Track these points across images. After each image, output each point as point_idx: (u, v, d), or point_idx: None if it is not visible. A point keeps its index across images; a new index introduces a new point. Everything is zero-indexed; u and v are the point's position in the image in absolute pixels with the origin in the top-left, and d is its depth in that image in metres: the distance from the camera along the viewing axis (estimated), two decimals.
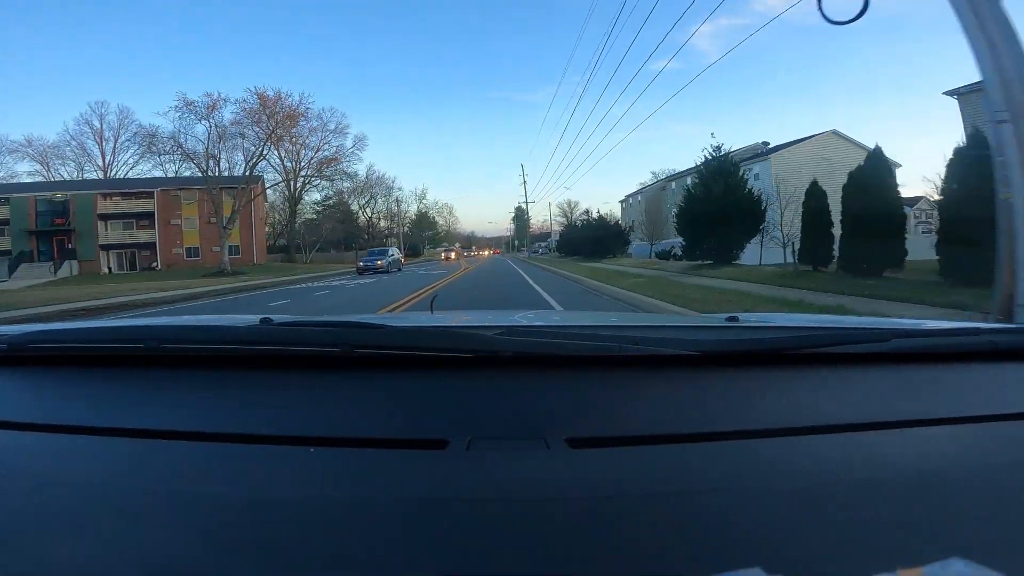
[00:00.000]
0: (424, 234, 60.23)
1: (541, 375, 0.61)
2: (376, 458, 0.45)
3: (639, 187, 46.59)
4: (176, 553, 0.33)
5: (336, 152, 38.13)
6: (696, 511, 0.37)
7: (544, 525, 0.35)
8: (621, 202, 42.74)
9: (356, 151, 41.67)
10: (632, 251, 27.17)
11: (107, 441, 0.48)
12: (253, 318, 0.87)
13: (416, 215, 56.61)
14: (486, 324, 0.86)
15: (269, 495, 0.38)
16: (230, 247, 29.26)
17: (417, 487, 0.39)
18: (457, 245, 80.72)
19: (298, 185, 38.17)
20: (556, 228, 75.86)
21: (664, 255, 21.68)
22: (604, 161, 63.45)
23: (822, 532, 0.34)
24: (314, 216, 41.17)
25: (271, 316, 0.85)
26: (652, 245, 27.13)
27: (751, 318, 0.97)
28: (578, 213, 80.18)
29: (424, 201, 55.37)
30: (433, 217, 65.18)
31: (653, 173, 57.21)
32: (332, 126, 38.08)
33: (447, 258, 37.45)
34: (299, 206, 39.72)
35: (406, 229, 54.28)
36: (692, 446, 0.47)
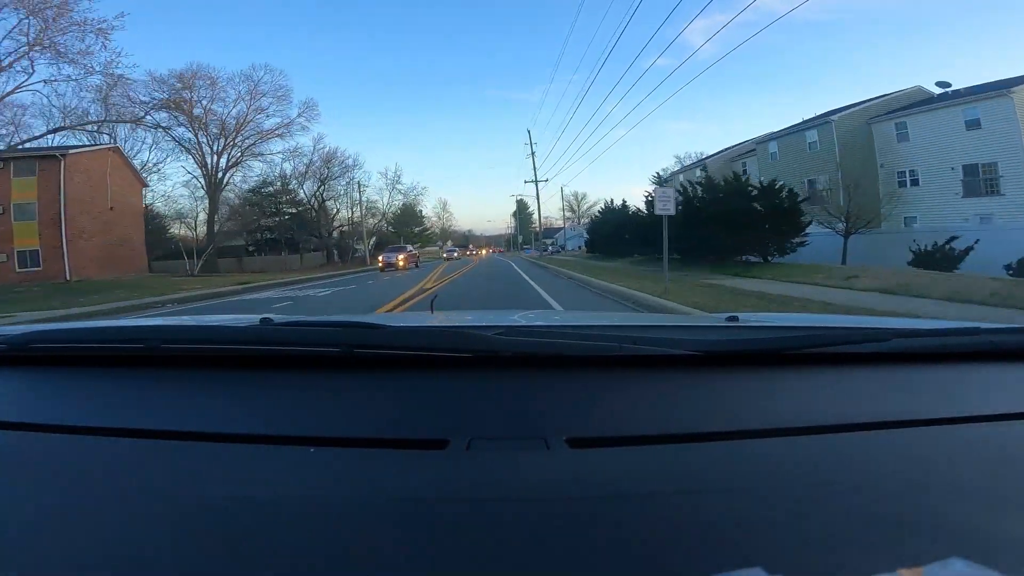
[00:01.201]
0: (412, 230, 53.81)
1: (541, 375, 0.71)
2: (376, 458, 0.52)
3: (661, 173, 42.51)
4: (176, 553, 0.37)
5: (280, 125, 32.54)
6: (696, 511, 0.41)
7: (544, 525, 0.39)
8: (661, 182, 34.81)
9: (304, 122, 35.07)
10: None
11: (107, 441, 0.56)
12: (253, 318, 0.96)
13: (400, 208, 50.46)
14: (486, 324, 0.97)
15: (269, 495, 0.44)
16: (21, 253, 21.28)
17: (417, 487, 0.45)
18: (449, 243, 75.18)
19: (219, 165, 32.46)
20: (567, 224, 70.29)
21: (944, 256, 12.11)
22: (610, 154, 51.84)
23: (822, 532, 0.39)
24: (251, 208, 36.09)
25: (271, 316, 0.96)
26: (847, 235, 15.23)
27: (751, 318, 1.05)
28: (586, 205, 73.92)
29: (399, 186, 48.44)
30: (421, 211, 58.33)
31: (677, 157, 56.25)
32: (265, 88, 32.29)
33: (387, 266, 25.47)
34: (227, 192, 34.26)
35: (386, 224, 47.56)
36: (692, 446, 0.54)
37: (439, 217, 78.35)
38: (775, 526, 0.40)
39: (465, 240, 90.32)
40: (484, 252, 69.46)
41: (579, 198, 76.81)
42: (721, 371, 0.71)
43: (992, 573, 0.31)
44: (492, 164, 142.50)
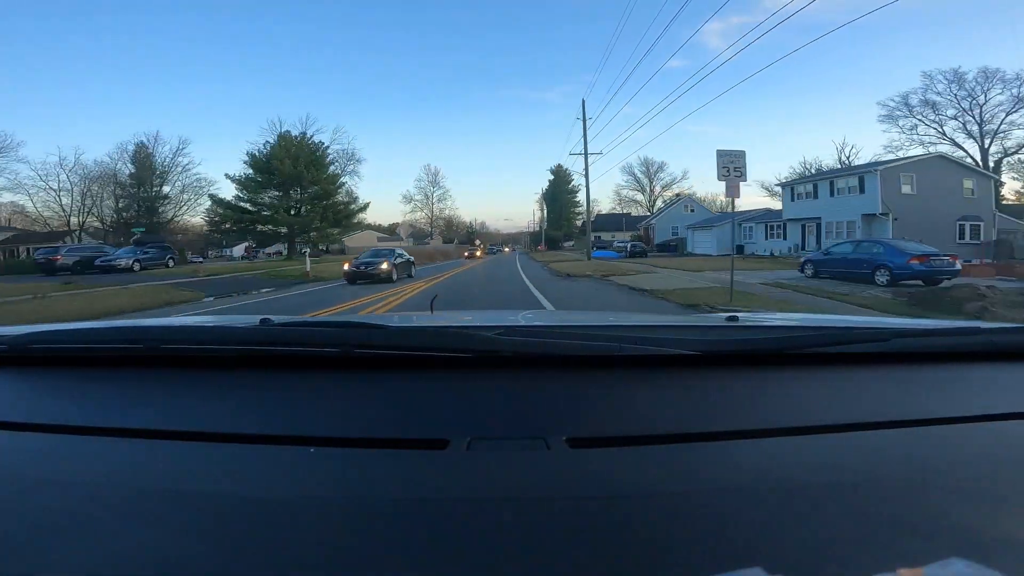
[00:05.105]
0: (289, 199, 33.44)
1: (541, 375, 0.72)
2: (377, 458, 0.53)
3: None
4: (176, 553, 0.38)
5: None
6: (696, 511, 0.43)
7: (544, 525, 0.40)
8: None
9: None
10: None
11: (107, 441, 0.58)
12: (253, 319, 0.97)
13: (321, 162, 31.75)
14: (486, 324, 1.00)
15: (269, 495, 0.46)
16: None
17: (418, 487, 0.46)
18: (404, 234, 58.70)
19: None
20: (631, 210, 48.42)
21: None
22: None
23: (822, 532, 0.40)
24: None
25: (271, 316, 0.97)
26: None
27: (751, 318, 1.06)
28: (663, 176, 55.32)
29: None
30: (324, 146, 36.04)
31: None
32: None
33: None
34: None
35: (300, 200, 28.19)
36: (692, 446, 0.56)
37: (426, 196, 59.27)
38: (775, 526, 0.40)
39: (469, 235, 75.69)
40: (481, 253, 53.58)
41: (652, 169, 50.82)
42: (721, 371, 0.73)
43: (992, 573, 0.31)
44: (512, 161, 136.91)
